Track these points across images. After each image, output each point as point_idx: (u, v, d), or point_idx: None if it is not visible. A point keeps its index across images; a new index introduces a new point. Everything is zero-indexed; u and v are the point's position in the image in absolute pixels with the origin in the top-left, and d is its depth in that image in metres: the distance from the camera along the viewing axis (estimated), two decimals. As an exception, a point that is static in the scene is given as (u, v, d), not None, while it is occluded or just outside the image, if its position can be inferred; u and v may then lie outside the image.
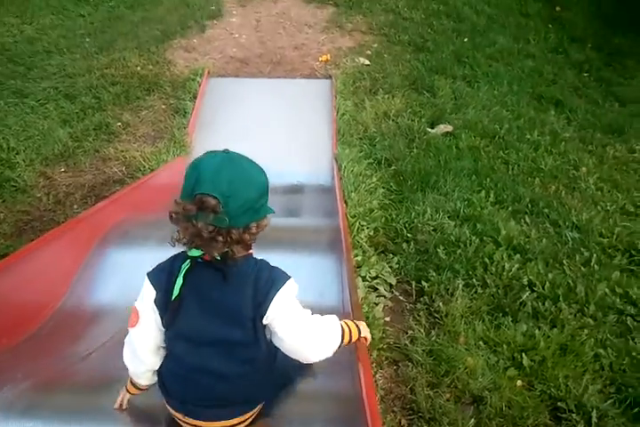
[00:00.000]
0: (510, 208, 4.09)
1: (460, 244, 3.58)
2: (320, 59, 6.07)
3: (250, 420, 1.62)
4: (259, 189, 1.46)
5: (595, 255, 3.57)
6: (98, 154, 4.74)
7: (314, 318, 1.59)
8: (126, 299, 2.54)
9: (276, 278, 1.49)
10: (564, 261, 3.51)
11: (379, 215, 3.87)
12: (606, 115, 5.63)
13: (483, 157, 4.76)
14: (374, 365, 2.76)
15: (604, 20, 7.22)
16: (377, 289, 3.23)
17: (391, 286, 3.29)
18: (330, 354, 1.61)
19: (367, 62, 6.02)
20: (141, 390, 1.68)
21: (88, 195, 4.27)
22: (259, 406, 1.64)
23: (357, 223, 3.68)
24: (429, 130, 5.11)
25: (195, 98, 5.38)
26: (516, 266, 3.37)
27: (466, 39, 6.57)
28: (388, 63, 6.02)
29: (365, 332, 1.77)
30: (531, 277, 3.29)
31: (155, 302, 1.50)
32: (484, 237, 3.66)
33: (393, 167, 4.55)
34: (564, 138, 5.14)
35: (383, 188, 4.28)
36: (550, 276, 3.32)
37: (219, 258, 1.42)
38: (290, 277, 1.52)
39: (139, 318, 1.52)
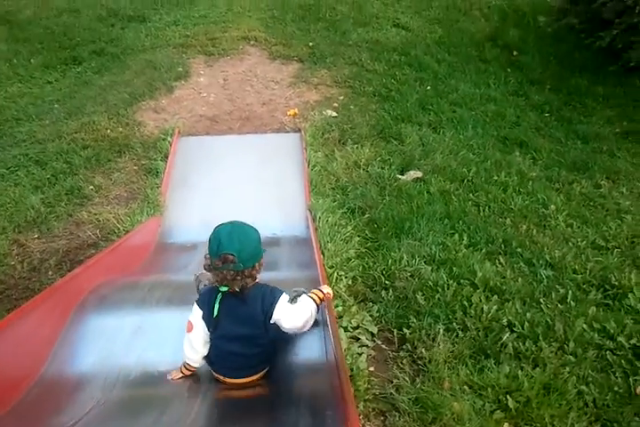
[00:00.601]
0: (484, 250, 4.15)
1: (438, 288, 3.61)
2: (288, 113, 6.20)
3: (256, 379, 2.45)
4: (256, 241, 2.27)
5: (570, 292, 3.62)
6: (71, 218, 4.74)
7: (299, 309, 2.40)
8: (107, 364, 2.55)
9: (274, 295, 2.30)
10: (541, 300, 3.56)
11: (356, 264, 3.91)
12: (570, 153, 5.78)
13: (453, 200, 4.85)
14: (362, 417, 2.74)
15: (559, 62, 7.50)
16: (359, 339, 3.23)
17: (373, 334, 3.30)
18: (314, 318, 2.47)
19: (335, 114, 6.15)
20: (191, 371, 2.48)
21: (63, 260, 4.25)
22: (262, 372, 2.47)
23: (335, 273, 3.70)
24: (400, 177, 5.19)
25: (166, 157, 5.43)
26: (495, 307, 3.40)
27: (429, 87, 6.76)
28: (355, 114, 6.15)
29: (327, 289, 2.65)
30: (510, 318, 3.32)
31: (202, 317, 2.33)
32: (461, 280, 3.70)
33: (367, 215, 4.60)
34: (531, 177, 5.26)
35: (359, 236, 4.32)
36: (528, 315, 3.36)
37: (238, 290, 2.22)
38: (282, 292, 2.34)
39: (193, 327, 2.35)
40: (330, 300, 2.63)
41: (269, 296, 2.29)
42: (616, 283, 3.75)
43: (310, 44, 7.59)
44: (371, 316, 3.41)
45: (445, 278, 3.70)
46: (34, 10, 9.30)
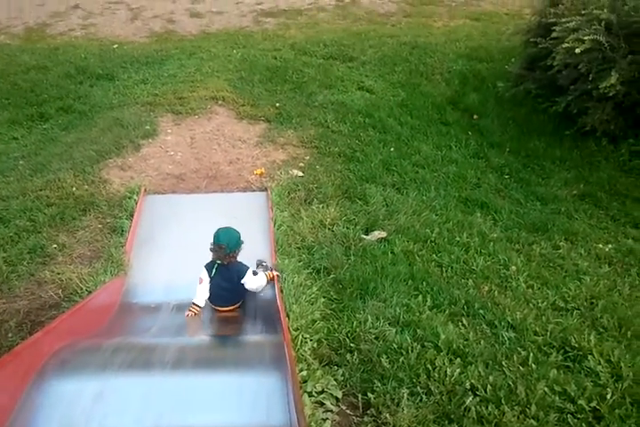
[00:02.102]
0: (447, 311, 4.20)
1: (403, 351, 3.63)
2: (255, 172, 6.27)
3: (234, 308, 4.36)
4: (237, 238, 4.14)
5: (531, 354, 3.68)
6: (33, 278, 4.66)
7: (256, 280, 4.20)
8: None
9: (244, 269, 4.15)
10: (503, 362, 3.60)
11: (321, 326, 3.91)
12: (529, 214, 5.95)
13: (417, 261, 4.92)
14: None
15: (518, 125, 7.77)
16: (324, 404, 3.21)
17: (337, 399, 3.28)
18: (263, 286, 4.30)
19: (301, 174, 6.25)
20: (197, 310, 4.20)
21: (23, 322, 4.16)
22: (237, 304, 4.37)
23: (301, 336, 3.70)
24: (364, 237, 5.26)
25: (132, 216, 5.41)
26: (458, 370, 3.43)
27: (392, 149, 6.94)
28: (320, 174, 6.26)
29: (276, 273, 4.47)
30: (472, 381, 3.35)
31: (208, 275, 4.17)
32: (425, 343, 3.73)
33: (332, 276, 4.63)
34: (492, 238, 5.38)
35: (324, 297, 4.33)
36: (491, 378, 3.39)
37: (226, 263, 4.12)
38: (249, 268, 4.18)
39: (203, 280, 4.18)
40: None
41: (242, 269, 4.16)
42: (576, 345, 3.82)
43: (277, 104, 7.76)
44: (335, 380, 3.40)
45: (409, 341, 3.73)
46: (1, 66, 9.44)
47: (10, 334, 4.03)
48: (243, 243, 4.16)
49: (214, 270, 4.16)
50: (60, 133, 7.35)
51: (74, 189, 5.80)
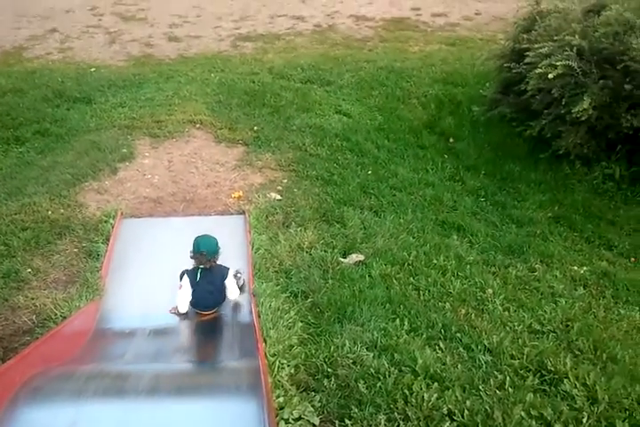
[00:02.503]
0: (425, 335, 4.20)
1: (380, 376, 3.61)
2: (233, 195, 6.27)
3: (214, 311, 4.62)
4: (215, 245, 4.43)
5: (508, 378, 3.67)
6: (7, 303, 4.59)
7: (234, 286, 4.59)
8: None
9: (226, 270, 4.53)
10: (480, 387, 3.59)
11: (298, 351, 3.88)
12: (505, 237, 6.00)
13: (395, 284, 4.93)
14: None
15: (493, 149, 7.88)
16: (301, 431, 3.18)
17: (315, 426, 3.25)
18: (238, 295, 4.65)
19: (279, 197, 6.26)
20: (182, 315, 4.53)
21: (-4, 348, 4.10)
22: (217, 308, 4.63)
23: (277, 362, 3.67)
24: (342, 260, 5.27)
25: (107, 240, 5.37)
26: (435, 395, 3.41)
27: (369, 172, 6.99)
28: (298, 197, 6.27)
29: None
30: (450, 406, 3.33)
31: (189, 281, 4.40)
32: (403, 367, 3.72)
33: (310, 300, 4.62)
34: (469, 261, 5.41)
35: (301, 322, 4.30)
36: (468, 403, 3.38)
37: (208, 267, 4.41)
38: (229, 268, 4.57)
39: (183, 286, 4.40)
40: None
41: (224, 270, 4.52)
42: (552, 368, 3.81)
43: (255, 128, 7.79)
44: (313, 406, 3.37)
45: (387, 366, 3.71)
46: (-24, 89, 9.34)
47: (-19, 362, 3.96)
48: (220, 248, 4.46)
49: (199, 275, 4.43)
50: (36, 157, 7.31)
51: (49, 212, 5.75)
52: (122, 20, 13.08)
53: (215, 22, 12.97)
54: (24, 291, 4.73)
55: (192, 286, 4.43)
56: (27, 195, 6.11)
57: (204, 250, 4.35)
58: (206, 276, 4.44)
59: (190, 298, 4.47)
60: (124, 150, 7.12)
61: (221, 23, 12.92)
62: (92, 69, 10.29)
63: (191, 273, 4.44)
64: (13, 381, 3.01)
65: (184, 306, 4.50)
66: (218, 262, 4.52)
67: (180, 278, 4.51)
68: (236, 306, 4.80)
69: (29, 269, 4.99)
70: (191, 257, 4.41)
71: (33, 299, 4.59)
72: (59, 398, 3.01)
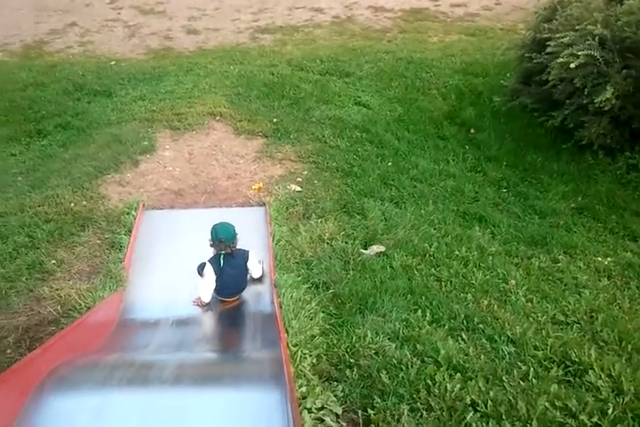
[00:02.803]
0: (447, 326, 4.19)
1: (402, 366, 3.61)
2: (253, 187, 6.29)
3: (237, 298, 4.73)
4: (233, 230, 4.46)
5: (532, 369, 3.65)
6: (32, 293, 4.65)
7: (257, 265, 4.78)
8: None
9: (247, 253, 4.63)
10: (504, 377, 3.57)
11: (320, 342, 3.89)
12: (528, 227, 5.95)
13: (416, 275, 4.92)
14: None
15: (515, 139, 7.79)
16: (323, 420, 3.18)
17: (337, 416, 3.25)
18: (261, 273, 4.89)
19: (299, 189, 6.26)
20: (205, 305, 4.60)
21: (22, 338, 4.15)
22: (239, 295, 4.73)
23: (300, 352, 3.68)
24: (363, 251, 5.27)
25: (130, 231, 5.41)
26: (458, 386, 3.41)
27: (390, 163, 6.96)
28: (318, 189, 6.27)
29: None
30: (473, 397, 3.32)
31: (213, 269, 4.43)
32: (425, 358, 3.71)
33: (331, 290, 4.62)
34: (491, 252, 5.38)
35: (323, 312, 4.32)
36: (491, 393, 3.37)
37: (230, 252, 4.45)
38: (249, 251, 4.66)
39: (206, 275, 4.45)
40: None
41: (245, 252, 4.61)
42: (576, 359, 3.79)
43: (274, 120, 7.79)
44: (335, 396, 3.38)
45: (409, 356, 3.71)
46: (-1, 83, 9.43)
47: (8, 351, 4.02)
48: (237, 233, 4.50)
49: (222, 261, 4.47)
50: (58, 150, 7.37)
51: (72, 204, 5.80)
52: (140, 14, 13.11)
53: (234, 15, 12.96)
54: (48, 282, 4.80)
55: (216, 273, 4.47)
56: (50, 187, 6.18)
57: (223, 237, 4.40)
58: (229, 260, 4.48)
59: (215, 285, 4.51)
60: (145, 143, 7.15)
61: (240, 15, 12.90)
62: (112, 63, 10.34)
63: (214, 261, 4.49)
64: (39, 370, 3.05)
65: (207, 295, 4.53)
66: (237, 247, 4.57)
67: (199, 271, 4.55)
68: (258, 296, 4.82)
69: (53, 261, 5.05)
70: (211, 245, 4.47)
71: (57, 290, 4.65)
72: (84, 388, 3.04)
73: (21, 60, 10.67)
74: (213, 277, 4.47)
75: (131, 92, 9.01)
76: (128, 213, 5.70)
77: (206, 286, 4.50)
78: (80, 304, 4.45)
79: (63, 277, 4.88)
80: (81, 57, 10.83)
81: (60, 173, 6.55)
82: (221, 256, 4.47)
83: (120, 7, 13.50)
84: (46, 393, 2.89)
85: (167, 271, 5.03)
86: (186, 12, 13.16)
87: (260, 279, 4.89)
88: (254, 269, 4.73)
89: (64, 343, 3.48)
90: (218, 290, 4.57)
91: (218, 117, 7.83)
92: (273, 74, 9.37)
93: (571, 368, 3.75)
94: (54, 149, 7.41)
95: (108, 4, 13.76)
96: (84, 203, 5.88)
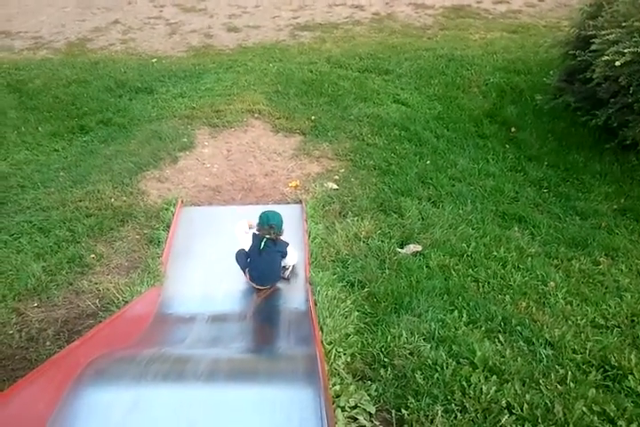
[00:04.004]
0: (483, 327, 4.14)
1: (437, 367, 3.58)
2: (290, 184, 6.30)
3: (271, 286, 4.83)
4: (281, 219, 4.65)
5: (570, 372, 3.60)
6: (71, 287, 4.75)
7: (293, 253, 4.87)
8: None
9: (286, 244, 4.71)
10: (541, 380, 3.52)
11: (355, 340, 3.89)
12: (568, 229, 5.84)
13: (453, 275, 4.87)
14: None
15: (557, 139, 7.65)
16: (357, 419, 3.18)
17: (371, 415, 3.25)
18: (296, 260, 5.02)
19: (335, 187, 6.25)
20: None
21: (61, 330, 4.24)
22: (274, 284, 4.84)
23: (334, 350, 3.68)
24: (399, 250, 5.24)
25: (168, 227, 5.48)
26: (494, 388, 3.37)
27: (428, 162, 6.90)
28: (355, 187, 6.25)
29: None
30: (509, 399, 3.29)
31: (257, 247, 4.60)
32: (461, 359, 3.68)
33: (366, 289, 4.61)
34: (530, 253, 5.30)
35: (358, 311, 4.31)
36: (528, 396, 3.32)
37: (274, 238, 4.58)
38: (288, 244, 4.74)
39: (245, 238, 4.79)
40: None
41: (285, 244, 4.70)
42: (616, 364, 3.72)
43: (312, 117, 7.78)
44: (369, 395, 3.37)
45: (444, 357, 3.68)
46: (44, 80, 9.61)
47: (48, 343, 4.10)
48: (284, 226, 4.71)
49: (263, 244, 4.58)
50: (99, 146, 7.48)
51: (112, 200, 5.90)
52: (182, 12, 13.22)
53: (274, 12, 12.99)
54: (88, 276, 4.89)
55: (252, 255, 4.68)
56: (91, 182, 6.27)
57: (274, 223, 4.57)
58: (270, 246, 4.60)
59: (248, 267, 4.74)
60: (184, 140, 7.22)
61: (280, 13, 12.93)
62: (154, 60, 10.45)
63: (256, 238, 4.64)
64: (78, 362, 3.11)
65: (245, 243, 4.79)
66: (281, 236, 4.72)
67: (238, 259, 4.82)
68: (293, 294, 4.84)
69: (93, 255, 5.14)
70: (257, 230, 4.64)
71: (96, 284, 4.74)
72: (121, 381, 3.08)
73: (65, 57, 10.85)
74: (249, 241, 4.71)
75: (171, 89, 9.09)
76: (166, 209, 5.76)
77: (243, 240, 4.82)
78: (118, 298, 4.52)
79: (102, 271, 4.96)
80: (123, 54, 10.97)
81: (101, 168, 6.65)
82: (264, 239, 4.58)
83: (162, 5, 13.64)
84: (84, 385, 2.95)
85: (204, 267, 5.08)
86: (226, 9, 13.24)
87: (291, 272, 5.04)
88: (289, 255, 4.82)
89: (102, 336, 3.53)
90: (252, 273, 4.74)
91: (256, 115, 7.86)
92: (312, 71, 9.37)
93: (610, 373, 3.68)
94: (96, 145, 7.53)
95: (150, 1, 13.91)
96: (124, 198, 5.96)
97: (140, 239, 5.39)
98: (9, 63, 10.43)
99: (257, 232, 4.67)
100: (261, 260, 4.63)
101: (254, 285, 4.79)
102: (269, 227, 4.55)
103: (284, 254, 4.73)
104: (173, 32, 12.06)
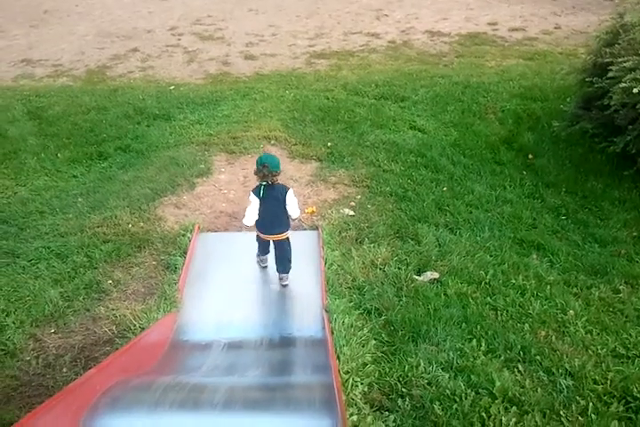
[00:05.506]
0: (502, 357, 4.09)
1: (456, 397, 3.54)
2: (306, 211, 6.26)
3: (283, 236, 4.96)
4: (277, 160, 4.70)
5: (591, 404, 3.54)
6: (88, 313, 4.75)
7: (295, 201, 4.81)
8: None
9: (287, 188, 4.76)
10: (561, 412, 3.47)
11: (372, 370, 3.85)
12: (588, 256, 5.78)
13: (471, 303, 4.82)
14: None
15: (574, 165, 7.62)
16: (374, 451, 3.14)
17: (389, 446, 3.21)
18: (299, 214, 5.01)
19: (352, 213, 6.25)
20: (248, 227, 4.93)
21: (78, 357, 4.23)
22: (284, 233, 4.94)
23: (351, 379, 3.65)
24: (416, 277, 5.20)
25: (185, 253, 5.48)
26: (514, 419, 3.32)
27: (445, 188, 6.89)
28: (371, 213, 6.24)
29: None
30: (530, 432, 3.23)
31: (258, 196, 4.68)
32: (480, 390, 3.63)
33: (383, 317, 4.58)
34: (549, 281, 5.24)
35: (375, 339, 4.28)
36: (549, 429, 3.26)
37: (271, 182, 4.64)
38: (288, 188, 4.79)
39: (252, 202, 4.72)
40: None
41: (284, 187, 4.77)
42: (638, 395, 3.66)
43: (329, 144, 7.82)
44: (387, 426, 3.33)
45: (463, 387, 3.63)
46: (63, 107, 9.75)
47: (64, 369, 4.10)
48: (281, 168, 4.76)
49: (262, 191, 4.68)
50: (117, 172, 7.55)
51: (130, 226, 5.93)
52: (200, 40, 13.43)
53: (290, 40, 13.17)
54: (105, 302, 4.89)
55: (258, 209, 4.77)
56: (109, 208, 6.32)
57: (267, 162, 4.58)
58: (269, 192, 4.68)
59: (257, 215, 4.78)
60: (202, 166, 7.27)
61: (296, 41, 13.10)
62: (172, 87, 10.59)
63: (256, 190, 4.74)
64: (94, 390, 3.10)
65: (250, 219, 4.81)
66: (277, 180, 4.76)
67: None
68: (310, 321, 4.80)
69: (110, 281, 5.15)
70: (254, 173, 4.73)
71: (113, 310, 4.74)
72: (137, 409, 3.07)
73: (85, 84, 11.03)
74: (257, 200, 4.71)
75: (189, 115, 9.19)
76: (183, 235, 5.77)
77: (250, 211, 4.77)
78: (135, 325, 4.52)
79: (119, 297, 4.97)
80: (141, 81, 11.13)
81: (119, 194, 6.71)
82: (262, 187, 4.68)
83: (180, 33, 13.87)
84: (100, 414, 2.93)
85: (221, 294, 5.06)
86: (244, 37, 13.43)
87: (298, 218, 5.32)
88: (292, 205, 4.80)
89: (118, 364, 3.53)
90: (261, 227, 4.92)
91: (273, 141, 7.92)
92: (328, 98, 9.45)
93: (632, 404, 3.61)
94: (114, 171, 7.60)
95: (168, 30, 14.16)
96: (142, 224, 5.99)
97: (156, 265, 5.39)
98: (30, 90, 10.62)
99: (255, 175, 4.77)
100: (264, 208, 4.75)
101: (262, 235, 4.99)
102: (262, 166, 4.57)
103: (283, 192, 4.75)
104: (191, 60, 12.23)
